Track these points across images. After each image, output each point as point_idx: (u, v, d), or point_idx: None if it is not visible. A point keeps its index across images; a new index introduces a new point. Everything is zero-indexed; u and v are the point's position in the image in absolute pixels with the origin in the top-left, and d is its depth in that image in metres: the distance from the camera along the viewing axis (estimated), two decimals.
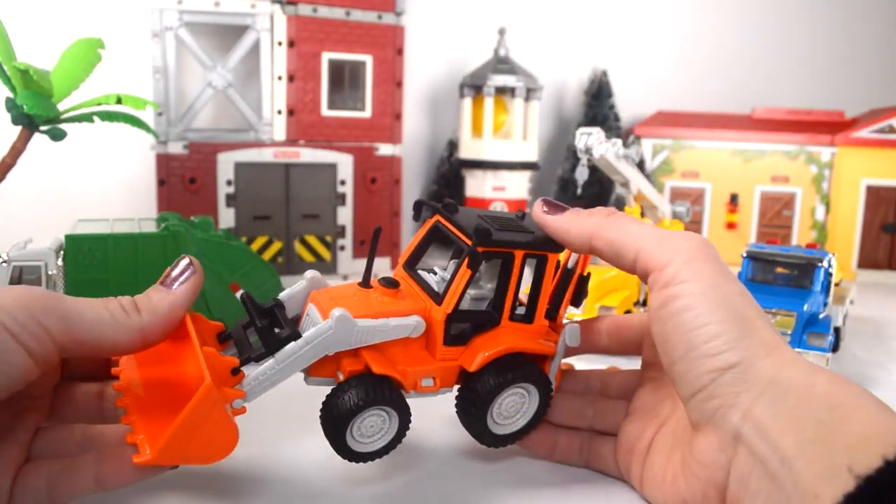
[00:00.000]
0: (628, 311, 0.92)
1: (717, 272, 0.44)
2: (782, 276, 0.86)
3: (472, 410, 0.51)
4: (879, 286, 1.40)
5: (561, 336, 0.53)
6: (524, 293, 0.54)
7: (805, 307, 0.78)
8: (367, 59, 1.22)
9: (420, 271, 0.55)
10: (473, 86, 1.34)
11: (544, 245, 0.52)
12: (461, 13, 1.57)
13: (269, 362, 0.46)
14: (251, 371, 0.46)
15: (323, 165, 1.21)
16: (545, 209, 0.52)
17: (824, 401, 0.38)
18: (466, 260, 0.49)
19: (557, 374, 0.54)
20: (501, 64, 1.34)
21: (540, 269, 0.53)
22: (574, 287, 0.56)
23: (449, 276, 0.51)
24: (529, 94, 1.34)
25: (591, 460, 0.55)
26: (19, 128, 0.82)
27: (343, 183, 1.23)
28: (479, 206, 1.34)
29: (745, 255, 0.87)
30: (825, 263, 0.83)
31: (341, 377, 0.48)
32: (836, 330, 0.83)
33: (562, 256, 0.56)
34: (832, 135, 1.47)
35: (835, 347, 0.83)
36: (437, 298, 0.51)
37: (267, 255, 1.19)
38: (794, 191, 1.50)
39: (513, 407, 0.53)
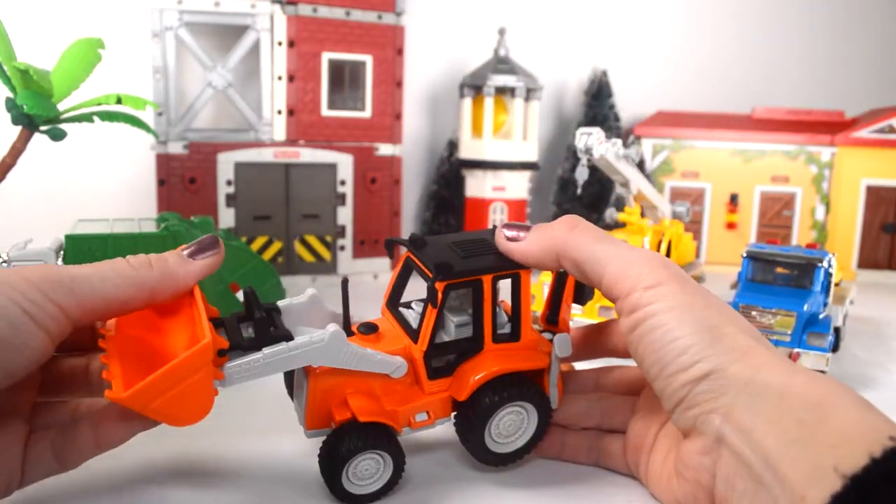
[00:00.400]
0: None
1: (680, 289, 0.45)
2: (782, 276, 0.86)
3: (469, 435, 0.52)
4: (879, 286, 1.40)
5: (552, 348, 0.53)
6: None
7: (805, 307, 0.78)
8: (367, 59, 1.22)
9: (401, 308, 0.56)
10: (473, 86, 1.34)
11: (513, 264, 0.52)
12: (461, 13, 1.57)
13: (255, 355, 0.47)
14: (235, 360, 0.47)
15: (323, 165, 1.21)
16: (507, 235, 0.52)
17: (803, 400, 0.38)
18: (428, 296, 0.50)
19: (559, 382, 0.54)
20: (501, 64, 1.34)
21: (515, 286, 0.53)
22: (574, 287, 0.56)
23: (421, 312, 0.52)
24: (529, 94, 1.34)
25: (601, 458, 0.55)
26: (19, 128, 0.82)
27: (343, 183, 1.23)
28: (479, 206, 1.34)
29: (745, 255, 0.87)
30: (825, 263, 0.83)
31: (333, 426, 0.50)
32: (836, 330, 0.83)
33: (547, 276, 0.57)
34: (832, 135, 1.47)
35: (835, 347, 0.83)
36: (415, 336, 0.52)
37: (267, 255, 1.19)
38: (794, 191, 1.50)
39: (511, 425, 0.53)
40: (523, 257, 0.52)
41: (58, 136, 0.83)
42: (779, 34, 1.77)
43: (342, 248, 1.25)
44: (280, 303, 0.54)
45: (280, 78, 1.16)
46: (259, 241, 1.19)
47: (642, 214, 1.09)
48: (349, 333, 0.53)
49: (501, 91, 1.34)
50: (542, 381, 0.54)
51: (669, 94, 1.71)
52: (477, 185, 1.35)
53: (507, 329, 0.54)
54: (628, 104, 1.64)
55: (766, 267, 0.87)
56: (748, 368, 0.41)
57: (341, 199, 1.23)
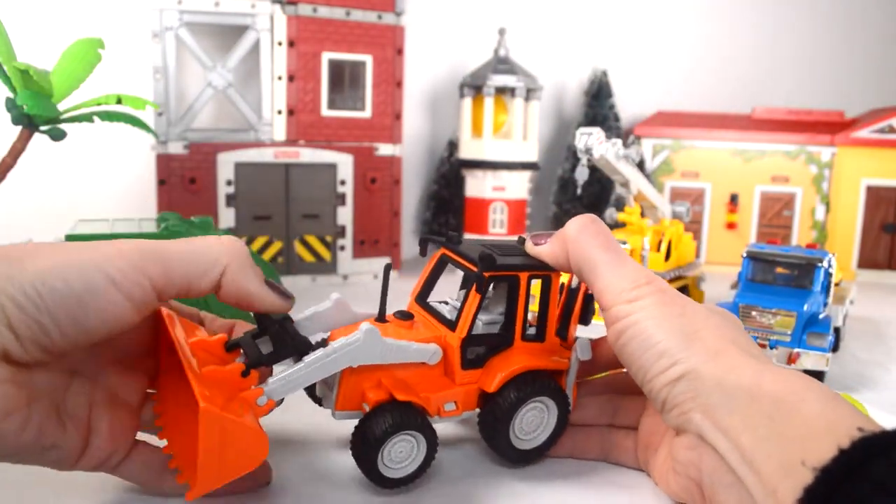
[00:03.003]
0: None
1: (659, 301, 0.48)
2: (782, 276, 0.86)
3: (496, 426, 0.53)
4: (879, 286, 1.40)
5: (573, 351, 0.56)
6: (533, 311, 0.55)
7: (805, 307, 0.78)
8: (367, 59, 1.22)
9: (431, 303, 0.58)
10: (473, 86, 1.34)
11: (546, 266, 0.55)
12: (461, 13, 1.57)
13: (297, 365, 0.47)
14: (277, 375, 0.47)
15: (323, 165, 1.21)
16: (535, 242, 0.55)
17: (772, 397, 0.40)
18: (475, 285, 0.52)
19: (574, 387, 0.56)
20: (501, 64, 1.34)
21: (545, 289, 0.55)
22: (581, 305, 0.58)
23: (459, 304, 0.54)
24: (529, 94, 1.34)
25: (611, 453, 0.57)
26: (19, 128, 0.82)
27: (343, 183, 1.23)
28: (479, 206, 1.34)
29: (745, 255, 0.87)
30: (825, 263, 0.83)
31: (367, 408, 0.50)
32: (836, 330, 0.83)
33: (565, 278, 0.58)
34: (832, 135, 1.47)
35: (835, 347, 0.83)
36: (451, 325, 0.54)
37: (267, 255, 1.19)
38: (794, 191, 1.50)
39: (533, 422, 0.55)
40: (547, 259, 0.54)
41: (58, 136, 0.83)
42: (779, 34, 1.77)
43: (342, 248, 1.24)
44: (306, 313, 0.54)
45: (280, 78, 1.16)
46: (259, 241, 1.19)
47: (642, 214, 1.09)
48: (384, 321, 0.54)
49: (501, 91, 1.34)
50: (561, 382, 0.56)
51: (669, 94, 1.71)
52: (477, 185, 1.35)
53: (532, 330, 0.56)
54: (628, 104, 1.64)
55: (766, 267, 0.87)
56: (720, 369, 0.44)
57: (341, 199, 1.23)
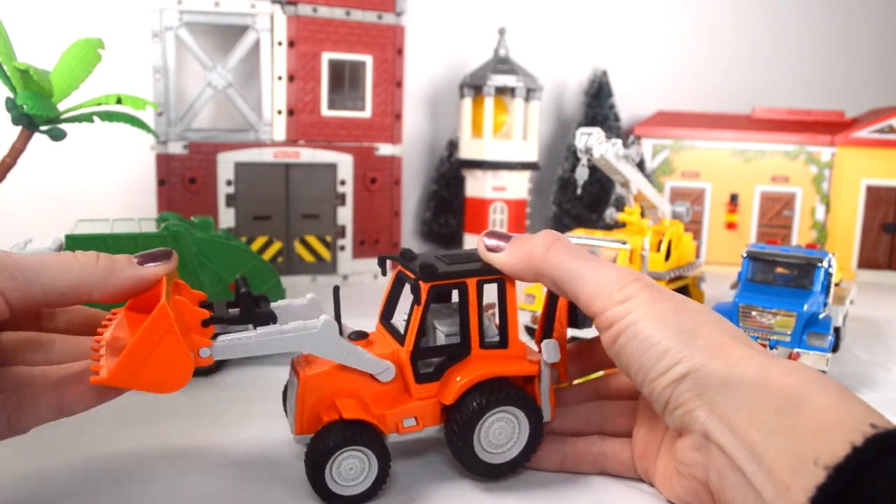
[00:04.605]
0: None
1: (651, 298, 0.46)
2: (782, 276, 0.86)
3: (457, 439, 0.51)
4: (879, 286, 1.40)
5: (540, 355, 0.53)
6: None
7: (805, 307, 0.78)
8: (367, 59, 1.22)
9: (393, 322, 0.57)
10: (473, 86, 1.34)
11: (498, 270, 0.53)
12: (461, 13, 1.57)
13: (248, 333, 0.48)
14: (229, 335, 0.48)
15: (323, 165, 1.21)
16: (487, 245, 0.53)
17: (780, 391, 0.39)
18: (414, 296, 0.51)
19: (551, 392, 0.54)
20: (501, 64, 1.34)
21: (500, 293, 0.53)
22: (569, 308, 0.56)
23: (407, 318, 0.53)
24: (529, 94, 1.34)
25: (607, 465, 0.54)
26: (19, 128, 0.82)
27: (343, 183, 1.23)
28: (479, 206, 1.34)
29: (745, 255, 0.87)
30: (825, 263, 0.83)
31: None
32: (836, 330, 0.83)
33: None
34: (832, 135, 1.47)
35: (835, 347, 0.83)
36: (402, 340, 0.53)
37: (267, 255, 1.19)
38: (794, 191, 1.50)
39: (502, 434, 0.52)
40: (502, 268, 0.52)
41: (58, 136, 0.83)
42: (778, 34, 1.77)
43: (342, 248, 1.24)
44: (280, 303, 0.54)
45: (280, 78, 1.16)
46: (259, 241, 1.19)
47: (642, 214, 1.09)
48: None
49: (501, 91, 1.34)
50: (534, 390, 0.54)
51: (669, 94, 1.71)
52: (477, 185, 1.35)
53: (495, 337, 0.54)
54: (628, 104, 1.64)
55: (766, 267, 0.86)
56: (725, 364, 0.42)
57: (341, 199, 1.23)
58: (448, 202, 1.51)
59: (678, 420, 0.44)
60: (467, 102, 1.35)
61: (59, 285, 0.45)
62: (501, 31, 1.36)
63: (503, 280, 0.53)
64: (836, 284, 0.97)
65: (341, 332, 0.53)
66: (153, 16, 1.10)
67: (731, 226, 1.52)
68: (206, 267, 0.77)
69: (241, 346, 0.48)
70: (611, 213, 1.13)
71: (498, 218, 1.34)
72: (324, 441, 0.49)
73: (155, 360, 0.43)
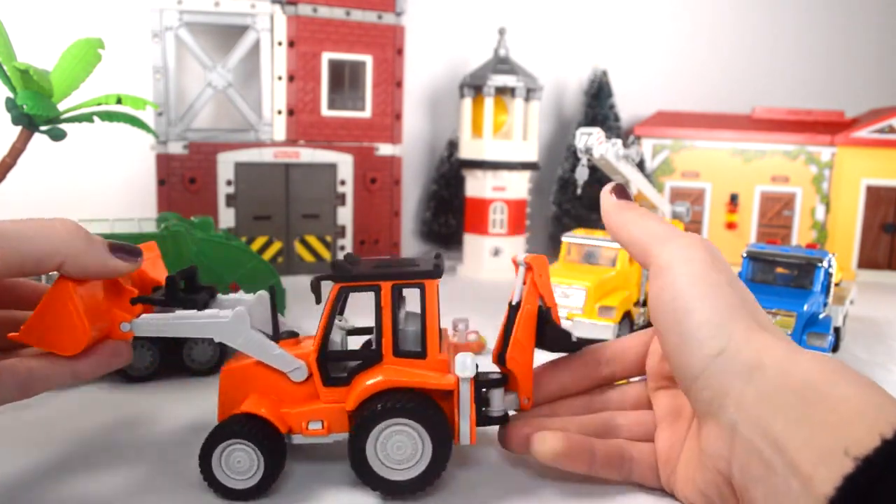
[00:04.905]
0: (628, 312, 0.92)
1: (709, 264, 0.46)
2: (782, 276, 0.86)
3: (352, 450, 0.49)
4: (879, 286, 1.40)
5: (453, 369, 0.50)
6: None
7: (805, 307, 0.78)
8: (367, 59, 1.22)
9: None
10: (473, 86, 1.34)
11: (415, 274, 0.50)
12: (461, 13, 1.57)
13: (167, 314, 0.51)
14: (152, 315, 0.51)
15: (323, 165, 1.21)
16: (613, 197, 0.54)
17: (806, 380, 0.39)
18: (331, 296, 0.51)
19: (472, 413, 0.50)
20: (501, 64, 1.34)
21: (421, 299, 0.51)
22: (537, 326, 0.53)
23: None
24: (529, 94, 1.34)
25: (635, 471, 0.52)
26: (19, 128, 0.82)
27: (343, 183, 1.23)
28: (479, 206, 1.34)
29: (745, 255, 0.87)
30: (825, 263, 0.83)
31: None
32: (836, 330, 0.83)
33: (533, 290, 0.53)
34: (832, 135, 1.47)
35: (835, 347, 0.83)
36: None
37: (267, 255, 1.19)
38: (794, 191, 1.50)
39: (402, 450, 0.49)
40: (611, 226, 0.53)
41: (58, 136, 0.83)
42: (779, 34, 1.77)
43: (342, 248, 1.25)
44: (230, 296, 0.56)
45: (280, 78, 1.16)
46: (259, 241, 1.19)
47: None
48: (276, 341, 0.54)
49: (501, 91, 1.34)
50: (451, 406, 0.50)
51: (669, 94, 1.71)
52: (477, 185, 1.35)
53: (415, 346, 0.51)
54: (628, 104, 1.64)
55: (766, 267, 0.87)
56: (757, 350, 0.41)
57: (341, 199, 1.23)
58: (448, 202, 1.51)
59: (705, 403, 0.43)
60: (467, 102, 1.35)
61: (36, 252, 0.45)
62: (501, 31, 1.36)
63: (423, 285, 0.50)
64: (836, 284, 0.97)
65: (277, 332, 0.54)
66: (153, 16, 1.10)
67: (731, 226, 1.52)
68: (206, 267, 0.77)
69: (157, 326, 0.51)
70: None
71: (498, 218, 1.34)
72: (217, 432, 0.49)
73: (55, 324, 0.47)
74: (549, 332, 0.53)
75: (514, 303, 0.54)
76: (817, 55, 1.78)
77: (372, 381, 0.49)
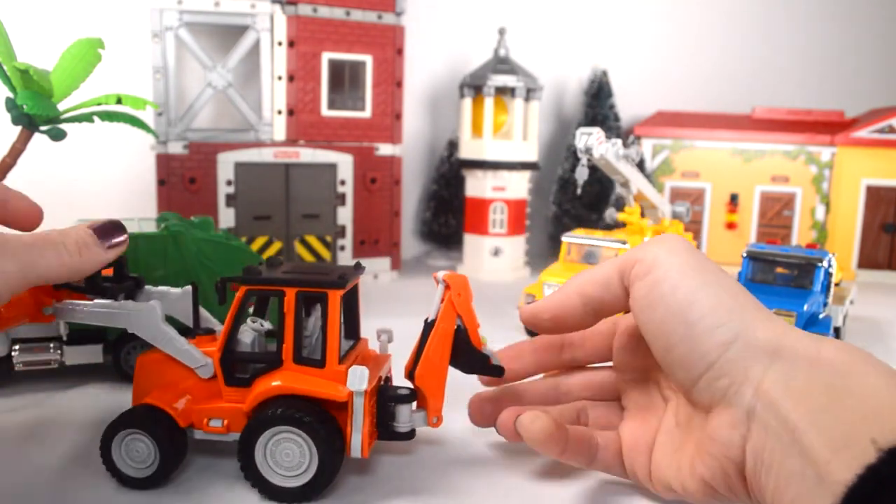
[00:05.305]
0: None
1: (696, 257, 0.45)
2: (782, 276, 0.86)
3: (240, 446, 0.50)
4: (879, 286, 1.40)
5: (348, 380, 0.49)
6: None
7: (805, 307, 0.78)
8: (367, 59, 1.22)
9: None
10: (473, 86, 1.34)
11: (319, 283, 0.50)
12: (461, 13, 1.57)
13: (85, 302, 0.53)
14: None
15: (323, 165, 1.21)
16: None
17: (833, 367, 0.38)
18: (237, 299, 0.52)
19: (366, 426, 0.50)
20: (501, 64, 1.34)
21: (323, 308, 0.50)
22: (455, 344, 0.53)
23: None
24: (529, 94, 1.34)
25: (600, 456, 0.52)
26: (19, 128, 0.82)
27: (343, 183, 1.23)
28: (479, 206, 1.34)
29: (745, 255, 0.87)
30: (825, 263, 0.83)
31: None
32: (836, 330, 0.83)
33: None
34: (832, 135, 1.47)
35: None
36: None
37: (267, 255, 1.19)
38: (794, 191, 1.50)
39: (290, 457, 0.49)
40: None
41: (58, 136, 0.83)
42: (779, 34, 1.77)
43: (342, 248, 1.25)
44: (159, 289, 0.58)
45: (280, 78, 1.16)
46: (259, 241, 1.19)
47: (642, 214, 1.09)
48: (193, 336, 0.55)
49: (501, 91, 1.34)
50: (345, 420, 0.50)
51: (669, 94, 1.71)
52: (477, 185, 1.35)
53: (314, 354, 0.51)
54: (628, 104, 1.64)
55: (766, 267, 0.87)
56: (775, 335, 0.40)
57: (341, 199, 1.23)
58: (448, 202, 1.51)
59: (719, 391, 0.41)
60: (467, 102, 1.35)
61: (49, 274, 0.46)
62: (501, 31, 1.36)
63: (325, 294, 0.50)
64: (836, 284, 0.97)
65: (197, 327, 0.56)
66: (153, 16, 1.10)
67: (731, 226, 1.52)
68: (206, 267, 0.77)
69: (75, 312, 0.53)
70: (611, 213, 1.13)
71: (498, 218, 1.34)
72: (117, 420, 0.50)
73: None
74: (464, 353, 0.53)
75: (429, 320, 0.53)
76: (817, 55, 1.78)
77: (265, 386, 0.50)
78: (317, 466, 0.49)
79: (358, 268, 0.55)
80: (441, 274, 0.53)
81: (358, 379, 0.48)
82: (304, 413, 0.49)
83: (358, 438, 0.49)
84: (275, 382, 0.50)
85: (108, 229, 0.50)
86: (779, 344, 0.40)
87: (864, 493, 0.32)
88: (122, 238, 0.51)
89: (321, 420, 0.49)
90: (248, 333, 0.53)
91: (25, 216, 0.54)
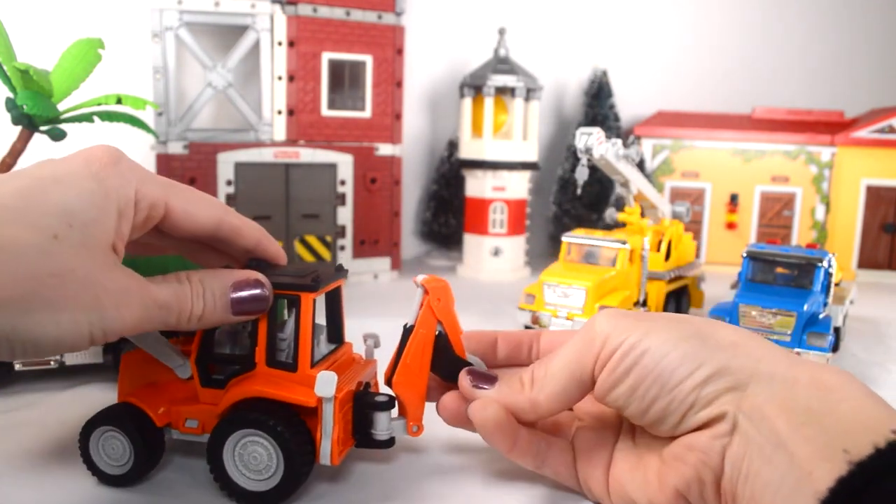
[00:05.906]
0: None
1: (639, 318, 0.46)
2: (782, 276, 0.86)
3: (208, 447, 0.49)
4: (879, 286, 1.40)
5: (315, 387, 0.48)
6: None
7: (805, 307, 0.78)
8: (367, 59, 1.22)
9: None
10: (473, 86, 1.34)
11: (292, 286, 0.49)
12: (461, 13, 1.57)
13: None
14: None
15: (323, 165, 1.21)
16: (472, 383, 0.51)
17: (812, 387, 0.40)
18: None
19: (337, 433, 0.49)
20: (501, 64, 1.34)
21: (295, 310, 0.50)
22: (435, 352, 0.52)
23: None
24: (529, 94, 1.34)
25: (547, 462, 0.51)
26: (19, 128, 0.82)
27: (343, 183, 1.23)
28: (479, 206, 1.34)
29: (745, 255, 0.87)
30: (825, 263, 0.83)
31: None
32: (836, 330, 0.83)
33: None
34: (832, 135, 1.47)
35: (835, 347, 0.83)
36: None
37: None
38: (794, 191, 1.50)
39: (257, 461, 0.49)
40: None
41: (58, 136, 0.83)
42: (779, 34, 1.77)
43: (342, 248, 1.25)
44: None
45: (280, 78, 1.16)
46: None
47: (642, 214, 1.09)
48: (176, 337, 0.56)
49: (501, 91, 1.34)
50: (315, 426, 0.49)
51: (669, 94, 1.71)
52: (477, 185, 1.35)
53: (287, 358, 0.50)
54: (628, 104, 1.64)
55: (766, 267, 0.87)
56: (749, 361, 0.42)
57: (341, 199, 1.23)
58: (448, 202, 1.51)
59: (700, 421, 0.43)
60: (467, 102, 1.35)
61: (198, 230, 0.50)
62: (501, 31, 1.36)
63: (298, 297, 0.49)
64: (836, 284, 0.97)
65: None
66: (153, 16, 1.10)
67: (731, 226, 1.52)
68: (190, 266, 0.77)
69: None
70: (611, 213, 1.13)
71: (498, 218, 1.34)
72: (94, 417, 0.51)
73: None
74: (445, 360, 0.52)
75: (407, 325, 0.52)
76: (817, 55, 1.78)
77: (236, 388, 0.50)
78: (283, 471, 0.48)
79: (339, 270, 0.54)
80: (420, 278, 0.52)
81: (325, 384, 0.47)
82: (270, 417, 0.48)
83: (327, 445, 0.48)
84: (245, 385, 0.49)
85: (248, 291, 0.49)
86: (755, 369, 0.42)
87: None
88: (256, 308, 0.49)
89: (289, 425, 0.48)
90: (227, 334, 0.53)
91: (272, 259, 0.55)
